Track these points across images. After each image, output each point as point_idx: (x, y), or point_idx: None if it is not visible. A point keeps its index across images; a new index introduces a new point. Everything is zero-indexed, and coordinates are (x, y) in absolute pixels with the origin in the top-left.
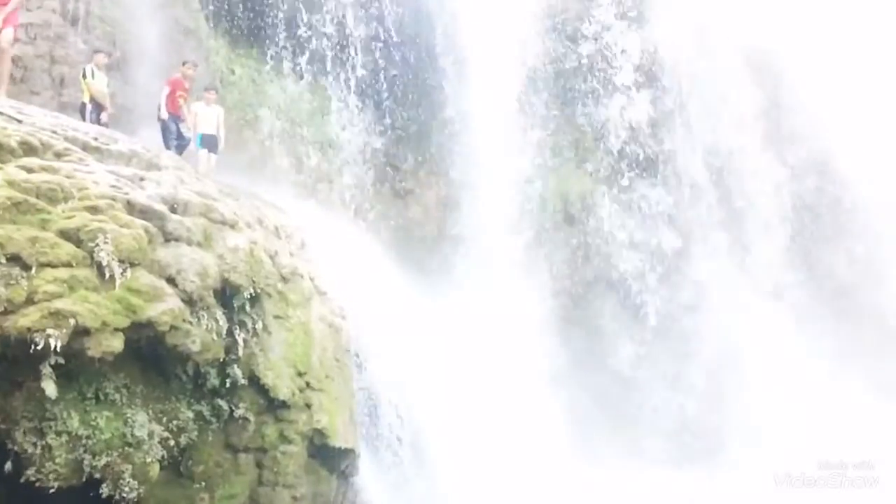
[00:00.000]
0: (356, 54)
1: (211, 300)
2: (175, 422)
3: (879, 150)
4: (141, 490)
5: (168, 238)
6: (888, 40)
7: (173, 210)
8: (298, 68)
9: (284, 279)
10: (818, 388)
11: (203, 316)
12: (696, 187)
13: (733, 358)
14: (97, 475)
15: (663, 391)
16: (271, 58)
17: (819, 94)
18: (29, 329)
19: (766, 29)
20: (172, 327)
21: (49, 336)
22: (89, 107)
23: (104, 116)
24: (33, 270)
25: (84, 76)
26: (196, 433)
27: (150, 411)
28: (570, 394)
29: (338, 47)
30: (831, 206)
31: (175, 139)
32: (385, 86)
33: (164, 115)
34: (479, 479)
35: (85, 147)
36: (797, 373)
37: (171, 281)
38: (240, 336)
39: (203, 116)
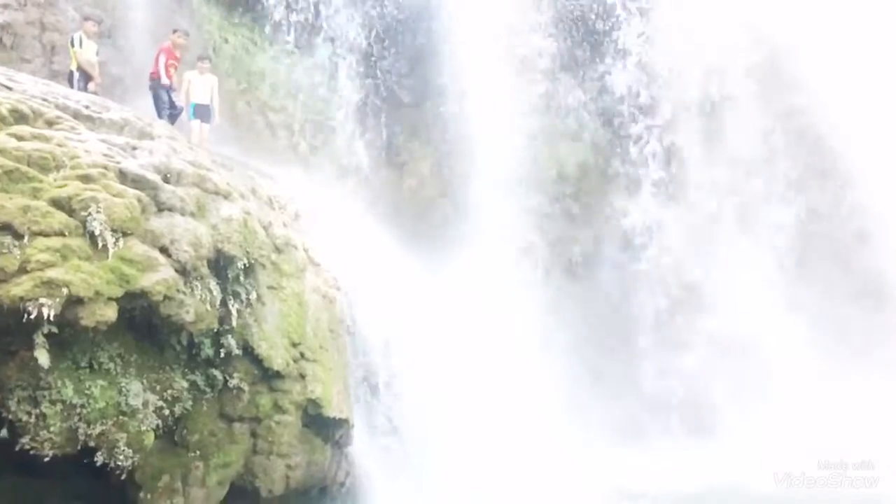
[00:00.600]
0: (351, 24)
1: (205, 270)
2: (169, 391)
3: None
4: (136, 458)
5: (161, 208)
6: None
7: (166, 180)
8: (293, 38)
9: (278, 250)
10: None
11: (197, 286)
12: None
13: (734, 344)
14: (92, 444)
15: (659, 372)
16: (265, 27)
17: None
18: (22, 298)
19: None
20: (166, 297)
21: (42, 305)
22: (77, 75)
23: (91, 86)
24: (25, 239)
25: (72, 44)
26: (190, 403)
27: (145, 381)
28: (565, 366)
29: (332, 17)
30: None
31: (167, 108)
32: (381, 56)
33: (166, 81)
34: (473, 450)
35: (76, 115)
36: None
37: (164, 251)
38: (234, 306)
39: (196, 86)
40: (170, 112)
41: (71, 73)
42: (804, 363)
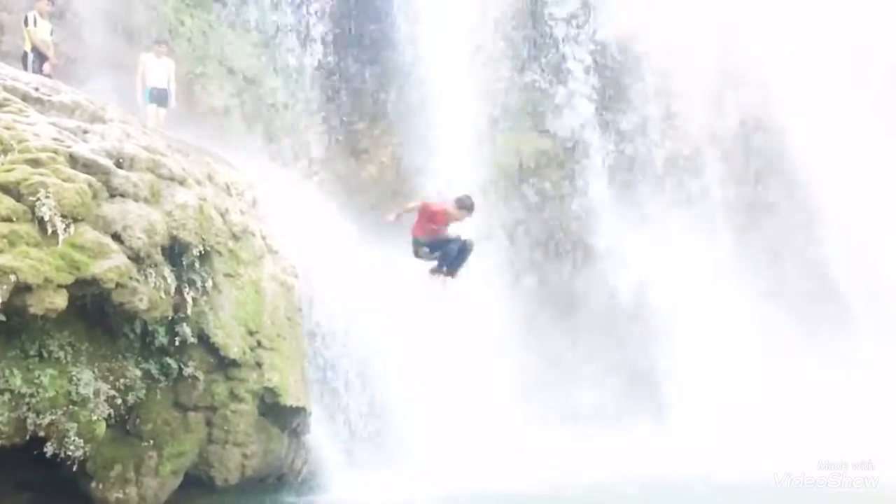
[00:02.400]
0: (310, 7)
1: (159, 257)
2: (122, 380)
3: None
4: (87, 448)
5: (113, 193)
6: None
7: (119, 165)
8: (251, 21)
9: (235, 237)
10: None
11: (150, 273)
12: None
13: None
14: (42, 433)
15: (608, 356)
16: (223, 9)
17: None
18: None
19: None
20: (118, 285)
21: None
22: (31, 56)
23: (47, 66)
24: None
25: (26, 24)
26: (144, 391)
27: (96, 369)
28: (522, 352)
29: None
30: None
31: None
32: (340, 42)
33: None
34: (431, 436)
35: (25, 98)
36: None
37: (116, 237)
38: (189, 294)
39: (152, 69)
40: None
41: (25, 53)
42: (757, 353)
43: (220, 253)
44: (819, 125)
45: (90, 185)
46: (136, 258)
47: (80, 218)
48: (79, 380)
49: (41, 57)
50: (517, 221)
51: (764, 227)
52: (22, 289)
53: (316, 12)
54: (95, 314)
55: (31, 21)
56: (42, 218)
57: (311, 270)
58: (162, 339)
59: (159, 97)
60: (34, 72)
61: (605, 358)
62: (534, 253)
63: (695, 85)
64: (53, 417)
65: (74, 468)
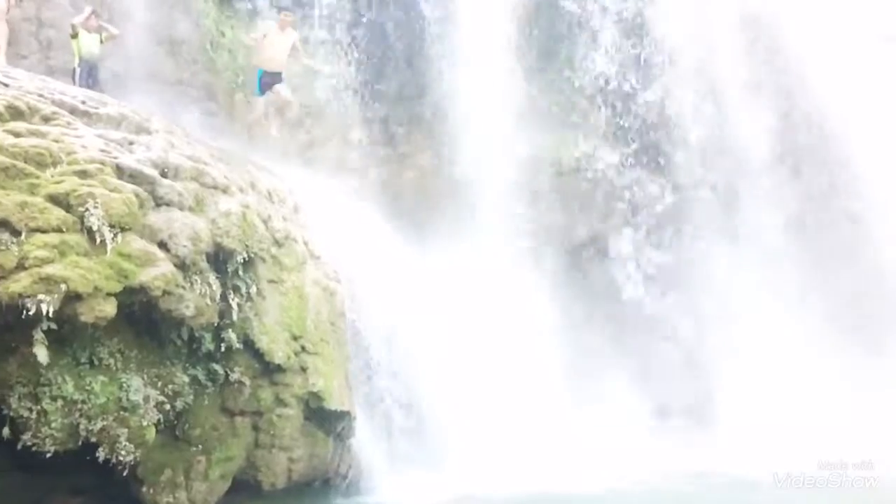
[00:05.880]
0: (350, 18)
1: (204, 265)
2: (170, 386)
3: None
4: (137, 453)
5: (159, 203)
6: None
7: (164, 174)
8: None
9: (278, 243)
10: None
11: (196, 280)
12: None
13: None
14: (93, 439)
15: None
16: (262, 22)
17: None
18: (20, 295)
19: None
20: (165, 292)
21: (41, 301)
22: (79, 70)
23: (95, 77)
24: (23, 236)
25: (74, 36)
26: (192, 397)
27: (146, 376)
28: (567, 353)
29: (331, 9)
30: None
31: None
32: (380, 49)
33: None
34: (477, 438)
35: (73, 111)
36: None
37: (162, 246)
38: (234, 300)
39: (271, 45)
40: None
41: (73, 68)
42: (798, 350)
43: (263, 259)
44: (862, 124)
45: (136, 195)
46: (182, 266)
47: (127, 227)
48: (129, 386)
49: (91, 69)
50: (560, 222)
51: (810, 229)
52: (72, 298)
53: (356, 21)
54: (144, 322)
55: (80, 34)
56: (91, 228)
57: (353, 274)
58: (208, 345)
59: (273, 82)
60: (84, 85)
61: (645, 355)
62: (578, 251)
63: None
64: (105, 423)
65: (125, 473)
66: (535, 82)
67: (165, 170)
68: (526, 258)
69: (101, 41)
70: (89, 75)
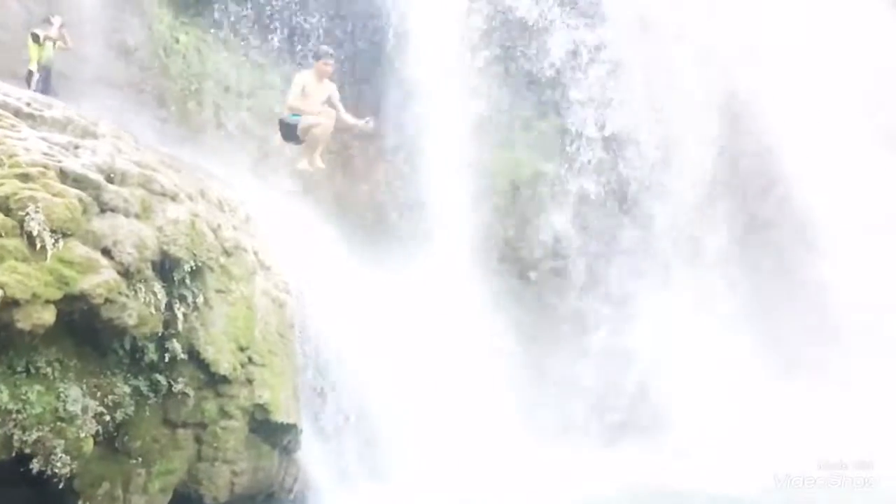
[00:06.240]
0: (306, 27)
1: (149, 273)
2: (111, 396)
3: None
4: (74, 465)
5: (104, 208)
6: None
7: (110, 179)
8: (244, 39)
9: (227, 253)
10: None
11: (140, 289)
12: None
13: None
14: (28, 450)
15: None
16: (216, 27)
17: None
18: None
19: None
20: (108, 300)
21: None
22: (36, 76)
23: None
24: None
25: (36, 41)
26: (133, 408)
27: (85, 386)
28: (516, 370)
29: (285, 19)
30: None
31: None
32: (336, 61)
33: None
34: (426, 451)
35: (17, 113)
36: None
37: (106, 253)
38: (179, 310)
39: (309, 95)
40: None
41: (29, 72)
42: (740, 366)
43: (211, 269)
44: (808, 133)
45: (80, 200)
46: (126, 273)
47: (69, 233)
48: (66, 396)
49: (48, 74)
50: (512, 238)
51: (752, 242)
52: (9, 304)
53: (312, 31)
54: (84, 330)
55: (40, 38)
56: (31, 233)
57: (305, 287)
58: (152, 355)
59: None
60: (40, 91)
61: (602, 373)
62: (530, 269)
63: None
64: (40, 434)
65: (61, 486)
66: (494, 98)
67: (111, 175)
68: (481, 274)
69: (55, 47)
70: (46, 81)
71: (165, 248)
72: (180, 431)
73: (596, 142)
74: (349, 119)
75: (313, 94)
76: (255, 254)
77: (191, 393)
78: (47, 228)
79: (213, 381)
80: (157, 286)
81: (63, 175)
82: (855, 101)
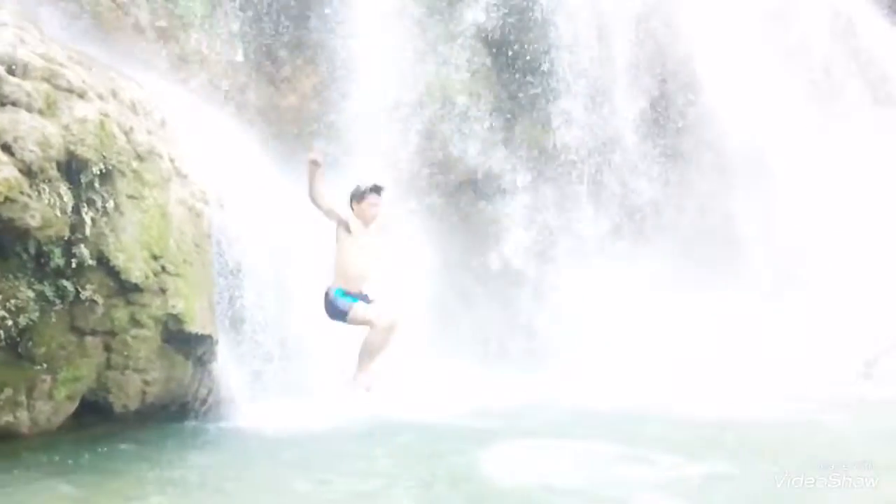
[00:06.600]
0: None
1: (54, 173)
2: (13, 301)
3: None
4: None
5: (4, 102)
6: None
7: (11, 71)
8: None
9: (140, 157)
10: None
11: (44, 189)
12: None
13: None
14: None
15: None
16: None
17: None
18: None
19: None
20: (8, 199)
21: None
22: None
23: None
24: None
25: None
26: (37, 314)
27: None
28: (438, 291)
29: None
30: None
31: None
32: None
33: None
34: (343, 369)
35: None
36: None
37: (6, 149)
38: (88, 214)
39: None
40: None
41: None
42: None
43: (122, 173)
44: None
45: None
46: (28, 172)
47: None
48: None
49: None
50: (440, 159)
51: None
52: None
53: None
54: None
55: None
56: None
57: (223, 197)
58: (58, 260)
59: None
60: None
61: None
62: (455, 190)
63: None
64: None
65: None
66: (431, 23)
67: (13, 66)
68: (408, 194)
69: None
70: None
71: (72, 147)
72: (88, 339)
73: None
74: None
75: (365, 246)
76: (171, 160)
77: (100, 300)
78: None
79: (124, 289)
80: (63, 188)
81: None
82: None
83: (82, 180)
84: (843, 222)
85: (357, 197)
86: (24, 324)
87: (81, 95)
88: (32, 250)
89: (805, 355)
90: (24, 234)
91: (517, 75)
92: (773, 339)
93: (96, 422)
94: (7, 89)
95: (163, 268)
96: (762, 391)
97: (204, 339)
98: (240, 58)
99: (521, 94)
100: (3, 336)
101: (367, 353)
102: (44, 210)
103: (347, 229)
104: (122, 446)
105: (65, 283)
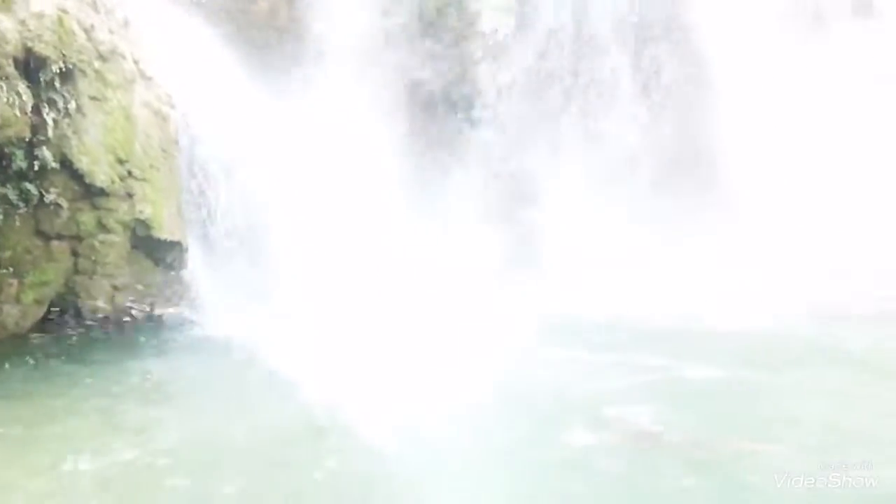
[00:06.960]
0: None
1: (11, 70)
2: None
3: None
4: None
5: None
6: None
7: None
8: None
9: (102, 57)
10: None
11: (2, 87)
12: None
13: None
14: None
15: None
16: None
17: None
18: None
19: None
20: None
21: None
22: None
23: None
24: None
25: None
26: (1, 217)
27: None
28: (411, 203)
29: None
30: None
31: None
32: None
33: None
34: (315, 276)
35: None
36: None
37: None
38: (49, 115)
39: None
40: None
41: None
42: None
43: (84, 73)
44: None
45: None
46: None
47: None
48: None
49: None
50: (417, 65)
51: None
52: None
53: None
54: None
55: None
56: None
57: (192, 101)
58: (20, 162)
59: None
60: None
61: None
62: (433, 99)
63: None
64: None
65: None
66: None
67: None
68: (380, 105)
69: None
70: None
71: (29, 44)
72: (55, 243)
73: None
74: None
75: None
76: (136, 62)
77: (64, 204)
78: None
79: (90, 193)
80: (22, 86)
81: None
82: None
83: (42, 79)
84: (823, 138)
85: None
86: None
87: None
88: None
89: (775, 273)
90: None
91: None
92: (751, 257)
93: (66, 328)
94: None
95: (129, 172)
96: (733, 304)
97: (173, 246)
98: None
99: None
100: None
101: None
102: (2, 108)
103: None
104: (95, 355)
105: (28, 185)
